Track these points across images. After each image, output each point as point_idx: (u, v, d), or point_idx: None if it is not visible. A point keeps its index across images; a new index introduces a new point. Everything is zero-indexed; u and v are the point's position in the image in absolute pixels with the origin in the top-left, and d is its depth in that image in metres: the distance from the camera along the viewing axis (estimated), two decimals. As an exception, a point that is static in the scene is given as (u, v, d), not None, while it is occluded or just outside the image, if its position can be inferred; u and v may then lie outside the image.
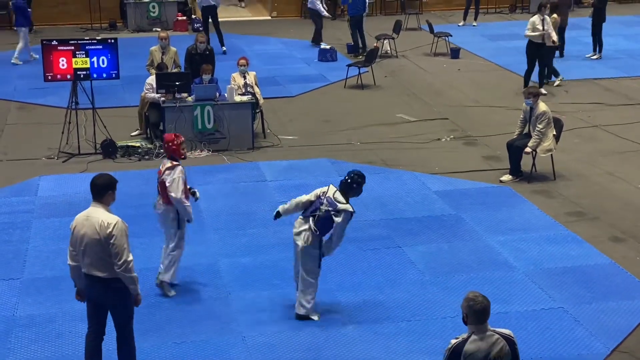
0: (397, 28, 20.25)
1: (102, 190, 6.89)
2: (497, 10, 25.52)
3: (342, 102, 16.30)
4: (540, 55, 16.23)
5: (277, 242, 10.10)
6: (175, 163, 8.62)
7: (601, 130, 14.36)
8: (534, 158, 12.00)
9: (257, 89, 13.99)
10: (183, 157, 8.75)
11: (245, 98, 13.62)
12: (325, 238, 8.22)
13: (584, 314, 8.46)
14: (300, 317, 8.32)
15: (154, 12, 22.92)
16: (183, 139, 8.80)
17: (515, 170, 12.08)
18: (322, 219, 8.09)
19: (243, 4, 26.11)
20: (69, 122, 13.11)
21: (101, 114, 13.44)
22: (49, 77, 13.04)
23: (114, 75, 13.21)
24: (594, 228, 10.52)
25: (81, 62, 12.92)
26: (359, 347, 7.92)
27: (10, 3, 20.50)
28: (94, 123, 13.23)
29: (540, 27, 16.00)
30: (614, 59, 19.33)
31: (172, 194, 8.50)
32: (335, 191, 8.20)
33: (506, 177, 12.08)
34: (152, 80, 13.52)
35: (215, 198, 11.45)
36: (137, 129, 14.16)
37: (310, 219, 8.13)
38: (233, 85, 13.70)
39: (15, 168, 12.70)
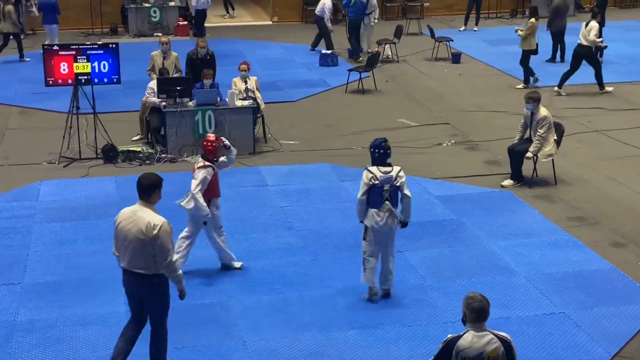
0: (398, 33, 20.26)
1: (149, 190, 7.07)
2: (498, 15, 25.54)
3: (343, 107, 16.31)
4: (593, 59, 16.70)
5: (278, 247, 10.10)
6: (207, 163, 8.99)
7: (602, 135, 14.36)
8: (535, 163, 11.99)
9: (258, 94, 14.00)
10: (215, 159, 9.07)
11: (246, 103, 13.63)
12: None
13: (585, 319, 8.45)
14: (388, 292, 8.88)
15: (155, 17, 22.95)
16: (223, 143, 9.14)
17: (517, 175, 12.08)
18: (392, 196, 8.53)
19: (227, 16, 25.91)
20: (70, 127, 13.12)
21: (102, 119, 13.45)
22: (50, 82, 13.05)
23: (115, 80, 13.24)
24: (595, 233, 10.52)
25: (82, 66, 12.93)
26: (360, 352, 7.91)
27: (38, 1, 21.05)
28: (95, 128, 13.24)
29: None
30: (615, 63, 19.33)
31: (191, 188, 8.88)
32: (377, 168, 8.56)
33: (507, 182, 12.08)
34: (153, 84, 13.53)
35: (216, 203, 11.45)
36: (138, 134, 14.16)
37: (387, 203, 8.49)
38: (234, 90, 13.70)
39: (16, 173, 12.70)
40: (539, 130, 11.70)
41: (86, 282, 9.25)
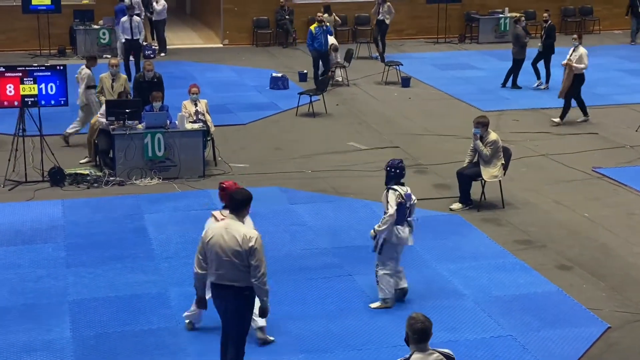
0: (349, 57, 20.40)
1: (241, 205, 7.40)
2: (446, 40, 25.86)
3: (294, 130, 16.34)
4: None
5: (227, 271, 10.01)
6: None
7: (548, 159, 14.58)
8: (483, 187, 12.13)
9: (208, 117, 13.96)
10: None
11: (196, 126, 13.57)
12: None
13: (532, 341, 8.53)
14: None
15: (104, 39, 22.76)
16: None
17: (465, 198, 12.19)
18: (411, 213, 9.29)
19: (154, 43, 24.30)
20: (16, 150, 12.91)
21: (49, 141, 13.28)
22: (-4, 104, 12.86)
23: (62, 102, 13.09)
24: (541, 256, 10.65)
25: (29, 88, 12.77)
26: (309, 377, 7.88)
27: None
28: (41, 150, 13.05)
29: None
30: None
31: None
32: (402, 186, 9.28)
33: (456, 206, 12.19)
34: (103, 107, 13.40)
35: (166, 226, 11.36)
36: (86, 157, 14.01)
37: (409, 220, 9.26)
38: (184, 113, 13.64)
39: (-40, 196, 12.46)
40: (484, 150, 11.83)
41: (31, 307, 9.08)
